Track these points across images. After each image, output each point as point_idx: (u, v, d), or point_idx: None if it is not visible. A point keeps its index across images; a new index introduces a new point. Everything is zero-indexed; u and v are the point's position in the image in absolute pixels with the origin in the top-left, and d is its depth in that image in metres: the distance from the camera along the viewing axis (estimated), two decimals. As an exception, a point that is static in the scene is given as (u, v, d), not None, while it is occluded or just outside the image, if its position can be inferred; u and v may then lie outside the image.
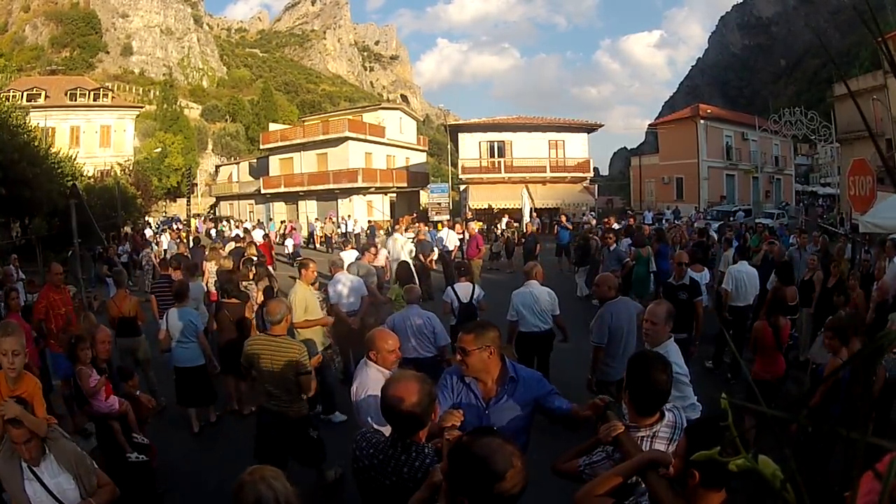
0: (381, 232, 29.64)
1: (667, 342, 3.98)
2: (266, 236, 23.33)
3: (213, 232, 30.19)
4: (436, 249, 15.24)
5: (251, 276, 9.48)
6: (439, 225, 22.65)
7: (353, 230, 30.84)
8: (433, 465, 2.36)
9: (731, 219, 27.02)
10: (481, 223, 27.87)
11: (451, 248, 16.79)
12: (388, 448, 2.54)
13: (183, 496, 5.49)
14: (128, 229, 30.50)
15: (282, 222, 34.11)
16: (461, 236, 18.31)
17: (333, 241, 29.04)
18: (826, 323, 5.40)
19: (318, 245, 30.73)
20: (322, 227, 31.51)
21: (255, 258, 11.67)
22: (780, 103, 50.64)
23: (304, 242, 30.23)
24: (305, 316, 6.80)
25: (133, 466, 4.84)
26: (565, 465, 2.77)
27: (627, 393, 2.75)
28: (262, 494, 2.05)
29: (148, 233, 28.78)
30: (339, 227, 31.97)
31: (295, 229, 28.48)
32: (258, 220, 36.28)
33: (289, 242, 25.26)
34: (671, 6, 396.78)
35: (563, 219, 20.61)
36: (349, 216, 34.40)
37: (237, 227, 29.96)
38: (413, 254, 13.59)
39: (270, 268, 12.84)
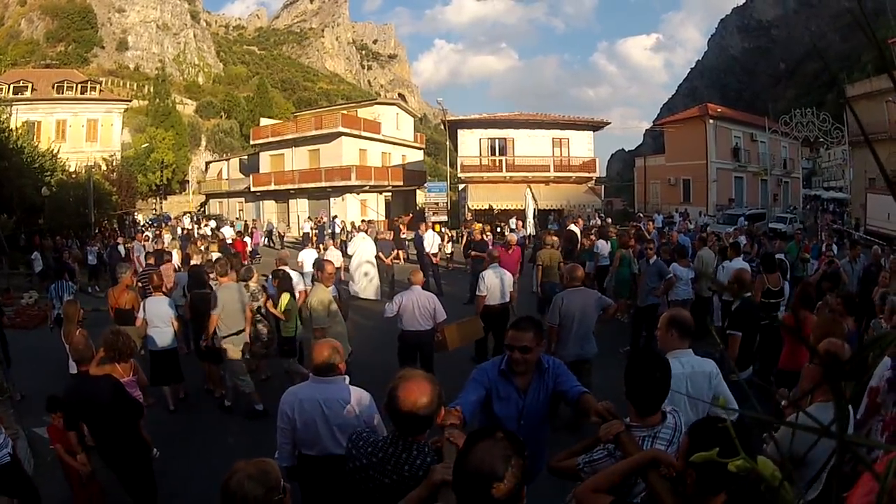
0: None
1: (673, 353, 3.56)
2: (239, 233, 25.24)
3: (178, 230, 30.43)
4: (396, 250, 15.96)
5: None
6: (436, 226, 22.18)
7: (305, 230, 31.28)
8: (433, 464, 2.36)
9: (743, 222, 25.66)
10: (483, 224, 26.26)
11: (434, 250, 15.92)
12: (388, 447, 2.55)
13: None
14: (112, 226, 29.53)
15: (243, 222, 35.77)
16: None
17: (285, 240, 32.48)
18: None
19: (274, 244, 32.10)
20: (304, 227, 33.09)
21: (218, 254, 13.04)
22: (780, 106, 49.60)
23: (265, 241, 31.80)
24: (329, 318, 7.01)
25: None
26: (562, 463, 2.78)
27: (626, 391, 2.75)
28: (235, 491, 2.12)
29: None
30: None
31: (256, 228, 30.75)
32: (220, 219, 37.70)
33: (247, 240, 25.50)
34: (668, 10, 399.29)
35: (580, 222, 18.96)
36: (328, 217, 33.11)
37: (205, 224, 32.14)
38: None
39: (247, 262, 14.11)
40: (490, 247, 13.50)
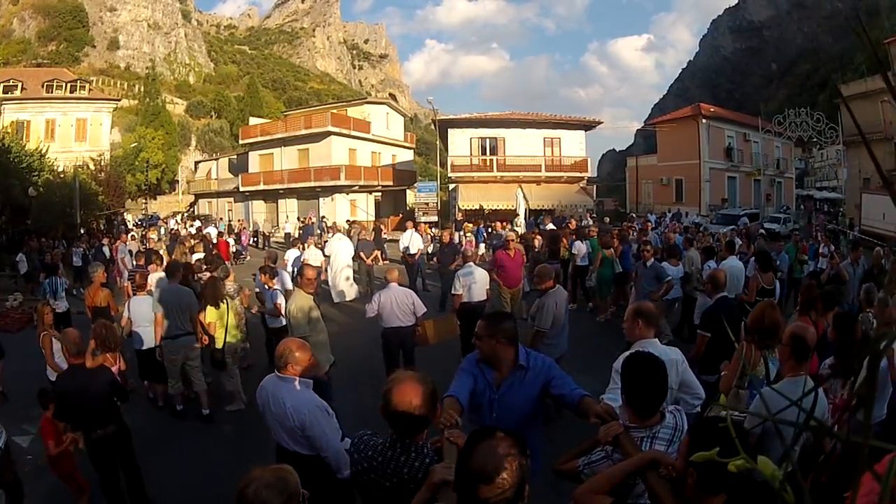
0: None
1: (639, 342, 3.80)
2: (221, 234, 24.17)
3: (162, 230, 30.23)
4: (377, 251, 15.74)
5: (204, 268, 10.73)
6: (426, 227, 21.56)
7: (287, 230, 31.25)
8: (433, 465, 2.36)
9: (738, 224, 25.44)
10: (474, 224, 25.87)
11: (413, 251, 15.20)
12: (388, 450, 2.56)
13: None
14: (98, 226, 29.17)
15: (227, 222, 35.03)
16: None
17: (271, 240, 32.53)
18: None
19: (260, 244, 31.72)
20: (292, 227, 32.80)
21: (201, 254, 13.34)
22: (772, 107, 49.52)
23: (252, 241, 30.91)
24: (310, 327, 6.51)
25: None
26: (566, 465, 2.78)
27: (624, 395, 2.76)
28: (253, 501, 2.10)
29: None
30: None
31: (245, 229, 29.80)
32: (207, 219, 37.72)
33: (230, 241, 24.91)
34: (659, 10, 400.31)
35: (573, 222, 18.63)
36: (314, 218, 32.61)
37: (190, 224, 32.15)
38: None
39: (228, 264, 13.79)
40: (465, 247, 13.66)
